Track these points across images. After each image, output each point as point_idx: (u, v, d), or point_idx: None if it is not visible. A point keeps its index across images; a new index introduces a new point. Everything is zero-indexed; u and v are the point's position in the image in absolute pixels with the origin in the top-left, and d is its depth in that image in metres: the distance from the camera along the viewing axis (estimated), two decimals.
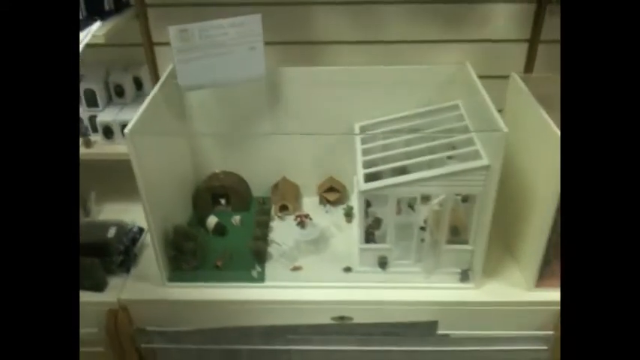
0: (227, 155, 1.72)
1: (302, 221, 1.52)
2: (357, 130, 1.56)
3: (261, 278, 1.45)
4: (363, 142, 1.51)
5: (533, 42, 1.63)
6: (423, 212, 1.34)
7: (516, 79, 1.47)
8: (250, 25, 1.36)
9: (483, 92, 1.34)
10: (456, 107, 1.52)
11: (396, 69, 1.55)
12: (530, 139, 1.36)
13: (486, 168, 1.26)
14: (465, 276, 1.42)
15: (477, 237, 1.37)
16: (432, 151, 1.39)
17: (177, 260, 1.45)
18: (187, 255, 1.44)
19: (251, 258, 1.49)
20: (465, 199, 1.42)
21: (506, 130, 1.17)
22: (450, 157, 1.38)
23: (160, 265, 1.41)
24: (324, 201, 1.70)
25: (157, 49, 1.69)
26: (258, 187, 1.76)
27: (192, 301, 1.41)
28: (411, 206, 1.48)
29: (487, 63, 1.51)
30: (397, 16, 1.62)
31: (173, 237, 1.43)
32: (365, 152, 1.46)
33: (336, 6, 1.60)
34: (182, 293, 1.42)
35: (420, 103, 1.57)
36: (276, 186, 1.74)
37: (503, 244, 1.51)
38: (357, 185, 1.39)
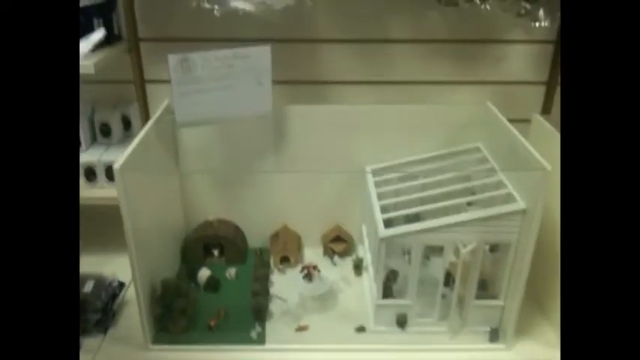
0: (221, 201, 1.56)
1: (309, 273, 1.35)
2: (368, 177, 1.42)
3: (261, 340, 1.26)
4: (377, 186, 1.37)
5: (550, 84, 1.54)
6: (445, 263, 1.19)
7: (540, 120, 1.37)
8: (258, 57, 1.24)
9: (512, 129, 1.23)
10: (477, 149, 1.40)
11: (409, 108, 1.44)
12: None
13: (522, 213, 1.13)
14: (494, 335, 1.25)
15: (509, 291, 1.22)
16: (452, 196, 1.26)
17: (164, 320, 1.26)
18: (176, 313, 1.24)
19: (249, 316, 1.30)
20: (494, 248, 1.27)
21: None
22: (469, 204, 1.26)
23: (144, 325, 1.22)
24: (329, 252, 1.53)
25: (149, 87, 1.55)
26: (256, 238, 1.59)
27: None
28: (426, 256, 1.33)
29: (503, 105, 1.41)
30: (408, 55, 1.52)
31: (161, 292, 1.24)
32: (379, 197, 1.32)
33: (345, 44, 1.50)
34: (169, 357, 1.22)
35: (435, 146, 1.46)
36: (275, 235, 1.57)
37: (531, 297, 1.35)
38: (372, 233, 1.24)
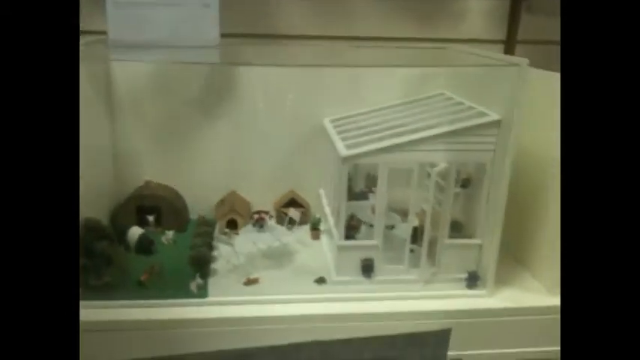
0: (159, 164, 1.38)
1: (261, 218, 1.17)
2: (327, 124, 1.29)
3: (203, 293, 1.05)
4: (338, 133, 1.24)
5: (509, 43, 1.50)
6: (413, 186, 1.06)
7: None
8: None
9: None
10: (441, 95, 1.31)
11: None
12: (538, 129, 1.13)
13: (497, 124, 1.02)
14: (473, 280, 1.10)
15: (486, 229, 1.09)
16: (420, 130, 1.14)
17: (85, 272, 1.03)
18: (99, 262, 1.03)
19: (189, 270, 1.10)
20: (466, 183, 1.15)
21: (525, 60, 0.95)
22: None
23: None
24: (283, 218, 1.36)
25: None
26: (199, 207, 1.40)
27: (105, 325, 0.98)
28: (391, 227, 1.19)
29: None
30: (366, 10, 1.45)
31: (82, 234, 1.03)
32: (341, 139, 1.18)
33: None
34: (90, 315, 0.99)
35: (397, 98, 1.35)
36: (221, 202, 1.39)
37: (502, 245, 1.20)
38: (334, 161, 1.10)
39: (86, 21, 1.32)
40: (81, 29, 1.35)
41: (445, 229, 1.09)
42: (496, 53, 1.11)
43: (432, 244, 1.10)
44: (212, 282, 1.09)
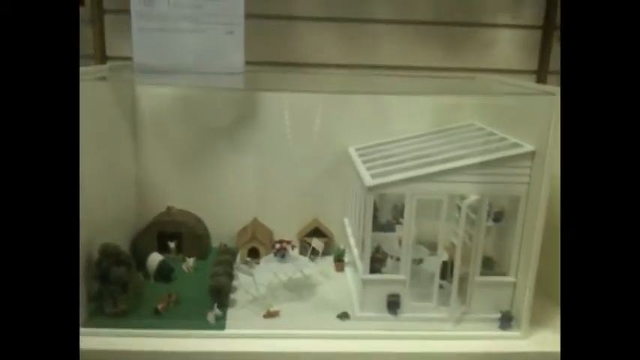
0: (182, 191, 1.36)
1: (283, 248, 1.13)
2: (352, 153, 1.26)
3: (220, 325, 1.01)
4: (363, 163, 1.20)
5: (541, 73, 1.46)
6: (442, 218, 1.01)
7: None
8: (230, 1, 1.13)
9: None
10: (471, 126, 1.27)
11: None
12: None
13: (531, 156, 0.97)
14: (507, 320, 1.03)
15: (520, 267, 1.03)
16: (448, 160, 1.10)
17: (100, 299, 1.01)
18: (115, 288, 1.00)
19: (207, 301, 1.06)
20: (498, 217, 1.09)
21: (557, 91, 0.91)
22: None
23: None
24: (306, 248, 1.31)
25: None
26: (220, 235, 1.37)
27: (119, 355, 0.95)
28: (418, 260, 1.13)
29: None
30: (392, 37, 1.43)
31: (97, 259, 1.01)
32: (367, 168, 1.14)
33: (325, 23, 1.41)
34: (103, 343, 0.96)
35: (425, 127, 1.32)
36: (244, 229, 1.36)
37: (538, 282, 1.13)
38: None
39: (111, 47, 1.34)
40: (106, 54, 1.37)
41: (477, 265, 1.04)
42: (528, 82, 1.07)
43: (463, 280, 1.05)
44: (231, 313, 1.05)
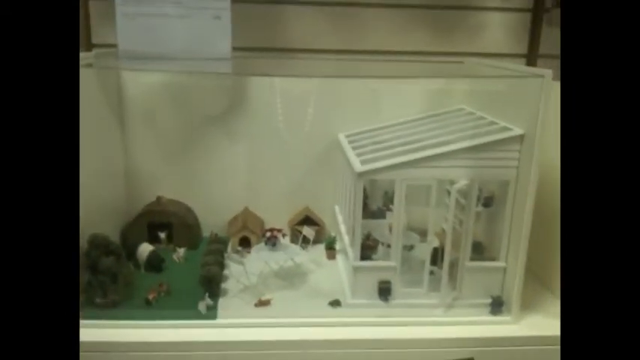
0: (171, 180, 1.35)
1: (273, 236, 1.13)
2: (341, 139, 1.25)
3: (212, 314, 1.01)
4: (353, 149, 1.20)
5: (530, 57, 1.45)
6: (432, 202, 1.00)
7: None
8: None
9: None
10: (460, 110, 1.26)
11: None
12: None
13: (520, 139, 0.97)
14: (497, 305, 1.03)
15: (510, 251, 1.03)
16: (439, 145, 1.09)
17: (90, 290, 1.00)
18: (105, 279, 1.00)
19: (198, 291, 1.06)
20: (488, 202, 1.09)
21: (549, 71, 0.90)
22: None
23: None
24: (297, 236, 1.31)
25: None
26: (211, 224, 1.36)
27: (110, 346, 0.94)
28: (409, 247, 1.13)
29: None
30: (382, 22, 1.42)
31: (87, 249, 1.00)
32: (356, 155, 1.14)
33: (315, 7, 1.39)
34: (93, 335, 0.95)
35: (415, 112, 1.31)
36: (234, 219, 1.35)
37: (528, 268, 1.13)
38: (349, 177, 1.05)
39: (97, 34, 1.32)
40: (92, 42, 1.35)
41: (467, 250, 1.04)
42: (517, 65, 1.06)
43: (453, 266, 1.05)
44: (222, 302, 1.05)
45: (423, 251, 1.06)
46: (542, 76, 0.90)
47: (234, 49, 1.16)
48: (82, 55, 1.17)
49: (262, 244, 1.17)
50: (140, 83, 1.28)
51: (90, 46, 1.36)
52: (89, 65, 1.11)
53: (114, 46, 1.13)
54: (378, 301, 1.04)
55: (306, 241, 1.25)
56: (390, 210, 1.16)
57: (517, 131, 0.97)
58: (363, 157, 1.04)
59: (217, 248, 1.18)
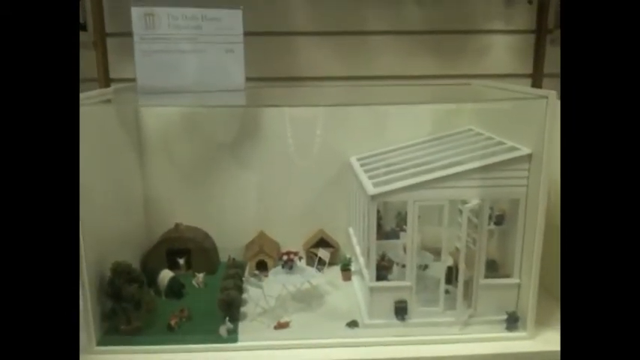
0: (188, 206, 1.39)
1: (290, 260, 1.15)
2: (353, 163, 1.28)
3: (233, 338, 1.03)
4: (365, 172, 1.22)
5: (536, 76, 1.48)
6: (445, 223, 1.02)
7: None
8: (228, 20, 1.16)
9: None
10: (469, 131, 1.29)
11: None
12: None
13: (528, 158, 1.00)
14: (513, 321, 1.05)
15: (523, 267, 1.05)
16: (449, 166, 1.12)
17: (114, 317, 1.03)
18: (128, 306, 1.03)
19: (218, 316, 1.08)
20: (500, 220, 1.11)
21: (553, 92, 0.93)
22: None
23: (89, 321, 0.99)
24: (313, 259, 1.33)
25: None
26: (228, 249, 1.39)
27: None
28: (424, 266, 1.15)
29: None
30: (387, 48, 1.46)
31: (110, 278, 1.03)
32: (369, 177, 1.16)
33: (321, 37, 1.44)
34: None
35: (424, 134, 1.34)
36: (251, 243, 1.38)
37: (542, 283, 1.14)
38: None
39: (114, 69, 1.37)
40: (111, 77, 1.41)
41: (480, 268, 1.06)
42: (522, 86, 1.09)
43: (468, 284, 1.07)
44: (242, 326, 1.07)
45: (438, 270, 1.08)
46: (546, 97, 0.93)
47: (248, 79, 1.20)
48: (100, 91, 1.23)
49: (279, 268, 1.19)
50: (157, 115, 1.33)
51: (108, 81, 1.42)
52: (108, 101, 1.16)
53: (131, 80, 1.18)
54: (395, 321, 1.06)
55: (321, 263, 1.27)
56: (403, 230, 1.19)
57: (525, 150, 1.00)
58: (376, 180, 1.07)
59: (235, 272, 1.21)
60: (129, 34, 1.11)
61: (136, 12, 1.08)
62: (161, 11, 1.10)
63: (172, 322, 1.06)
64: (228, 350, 1.01)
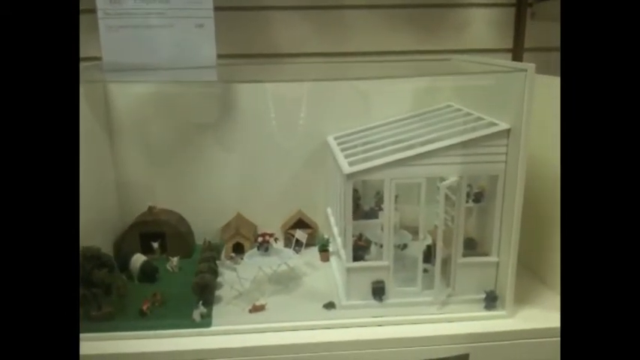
0: (162, 189, 1.35)
1: (265, 241, 1.13)
2: (330, 141, 1.25)
3: (206, 322, 1.01)
4: (342, 150, 1.19)
5: (516, 51, 1.46)
6: (421, 198, 1.00)
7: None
8: None
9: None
10: (448, 107, 1.26)
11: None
12: (552, 137, 1.07)
13: (507, 133, 0.97)
14: (492, 300, 1.03)
15: (502, 246, 1.03)
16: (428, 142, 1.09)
17: (85, 303, 1.00)
18: (98, 291, 0.99)
19: (192, 300, 1.05)
20: (478, 198, 1.09)
21: (532, 65, 0.90)
22: None
23: None
24: (290, 240, 1.30)
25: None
26: (204, 232, 1.36)
27: (106, 358, 0.94)
28: (403, 246, 1.13)
29: None
30: (366, 24, 1.42)
31: (80, 262, 0.99)
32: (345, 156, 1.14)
33: (298, 11, 1.40)
34: (89, 347, 0.95)
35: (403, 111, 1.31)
36: (227, 225, 1.35)
37: (521, 261, 1.11)
38: (339, 178, 1.05)
39: (82, 47, 1.31)
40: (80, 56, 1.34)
41: (459, 246, 1.04)
42: (502, 60, 1.06)
43: (446, 263, 1.05)
44: (216, 310, 1.05)
45: (416, 249, 1.06)
46: (525, 70, 0.91)
47: (220, 56, 1.16)
48: None
49: (255, 250, 1.17)
50: (127, 94, 1.28)
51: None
52: None
53: (99, 58, 1.13)
54: (373, 302, 1.04)
55: (299, 245, 1.25)
56: (382, 210, 1.16)
57: (503, 126, 0.97)
58: (352, 159, 1.04)
59: (210, 256, 1.18)
60: (95, 10, 1.06)
61: None
62: None
63: (144, 307, 1.04)
64: (202, 335, 0.98)
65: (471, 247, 1.09)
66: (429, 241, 1.06)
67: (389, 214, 1.00)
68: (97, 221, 1.20)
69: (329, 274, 1.20)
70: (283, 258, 1.14)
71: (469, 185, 1.04)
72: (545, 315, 1.03)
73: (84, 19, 1.32)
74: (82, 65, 1.25)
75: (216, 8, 1.13)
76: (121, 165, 1.33)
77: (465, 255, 1.05)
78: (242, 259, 1.20)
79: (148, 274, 1.17)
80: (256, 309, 1.04)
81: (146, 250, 1.27)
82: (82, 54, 1.33)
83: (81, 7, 1.32)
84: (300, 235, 1.23)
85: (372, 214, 1.26)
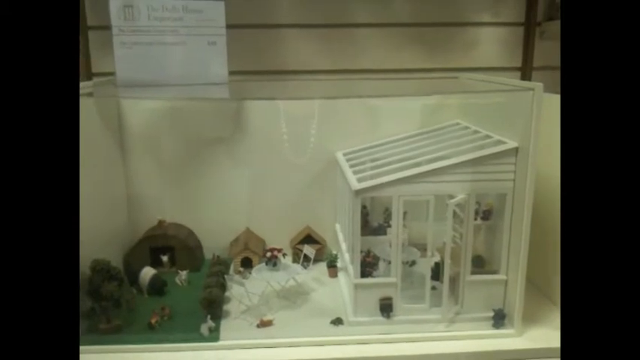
0: (172, 203, 1.36)
1: (274, 256, 1.13)
2: (339, 158, 1.26)
3: (214, 337, 1.01)
4: (351, 167, 1.20)
5: (525, 70, 1.47)
6: (430, 217, 1.00)
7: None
8: (211, 12, 1.14)
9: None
10: (456, 125, 1.27)
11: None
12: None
13: (515, 152, 0.98)
14: (500, 318, 1.03)
15: (510, 263, 1.03)
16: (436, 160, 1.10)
17: (94, 316, 1.01)
18: (107, 304, 1.00)
19: (200, 314, 1.06)
20: (487, 215, 1.09)
21: (540, 85, 0.91)
22: None
23: None
24: (298, 255, 1.31)
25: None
26: (213, 247, 1.36)
27: None
28: (410, 262, 1.13)
29: None
30: (375, 41, 1.44)
31: (89, 275, 1.01)
32: (354, 172, 1.14)
33: (308, 29, 1.42)
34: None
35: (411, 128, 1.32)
36: (236, 240, 1.36)
37: (530, 280, 1.10)
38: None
39: (97, 63, 1.35)
40: (92, 71, 1.38)
41: (467, 264, 1.04)
42: (510, 79, 1.07)
43: (454, 280, 1.05)
44: (224, 324, 1.05)
45: (425, 266, 1.06)
46: (532, 89, 0.91)
47: (231, 73, 1.18)
48: (82, 84, 1.20)
49: (263, 265, 1.17)
50: (139, 110, 1.30)
51: (90, 75, 1.39)
52: (90, 94, 1.14)
53: (113, 74, 1.15)
54: (380, 318, 1.04)
55: (307, 260, 1.25)
56: (390, 226, 1.17)
57: (511, 144, 0.98)
58: (361, 175, 1.05)
59: (219, 270, 1.18)
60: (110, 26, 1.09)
61: (114, 3, 1.05)
62: (140, 2, 1.07)
63: (153, 321, 1.04)
64: (209, 349, 0.99)
65: (480, 264, 1.09)
66: (437, 259, 1.06)
67: (397, 231, 1.00)
68: (107, 234, 1.21)
69: (337, 289, 1.20)
70: (291, 273, 1.15)
71: (477, 203, 1.04)
72: (553, 334, 1.02)
73: (98, 36, 1.36)
74: (97, 80, 1.28)
75: (229, 26, 1.15)
76: (132, 179, 1.34)
77: (473, 273, 1.04)
78: (250, 273, 1.21)
79: (157, 287, 1.18)
80: (264, 324, 1.05)
81: (155, 263, 1.28)
82: (97, 69, 1.38)
83: (96, 24, 1.37)
84: (309, 250, 1.23)
85: (381, 230, 1.27)
